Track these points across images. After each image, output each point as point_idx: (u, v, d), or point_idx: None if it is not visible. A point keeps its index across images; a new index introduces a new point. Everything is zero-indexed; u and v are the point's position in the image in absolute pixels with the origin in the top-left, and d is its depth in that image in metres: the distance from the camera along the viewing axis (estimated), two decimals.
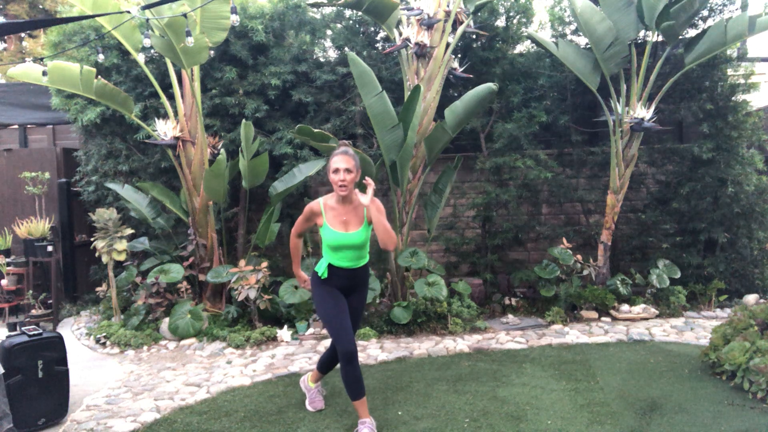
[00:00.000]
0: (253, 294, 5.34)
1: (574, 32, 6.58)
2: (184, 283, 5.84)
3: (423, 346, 4.97)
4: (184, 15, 4.47)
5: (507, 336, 5.26)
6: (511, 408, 3.59)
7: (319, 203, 3.27)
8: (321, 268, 3.31)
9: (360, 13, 6.26)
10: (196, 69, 5.71)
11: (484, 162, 6.41)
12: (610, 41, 5.65)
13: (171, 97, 5.92)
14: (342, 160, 3.12)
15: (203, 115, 6.01)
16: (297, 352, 5.00)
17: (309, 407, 3.68)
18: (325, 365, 3.62)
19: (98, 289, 6.21)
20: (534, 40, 6.27)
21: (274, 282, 6.06)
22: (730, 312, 5.06)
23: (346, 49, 6.52)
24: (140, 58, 5.78)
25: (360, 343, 5.18)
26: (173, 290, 5.90)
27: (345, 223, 3.21)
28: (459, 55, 6.57)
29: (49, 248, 6.55)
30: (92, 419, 3.69)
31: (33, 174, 6.77)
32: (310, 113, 6.58)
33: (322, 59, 6.80)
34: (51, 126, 7.96)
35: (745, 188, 6.11)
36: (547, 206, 7.03)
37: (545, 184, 6.60)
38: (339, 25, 6.73)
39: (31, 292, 6.48)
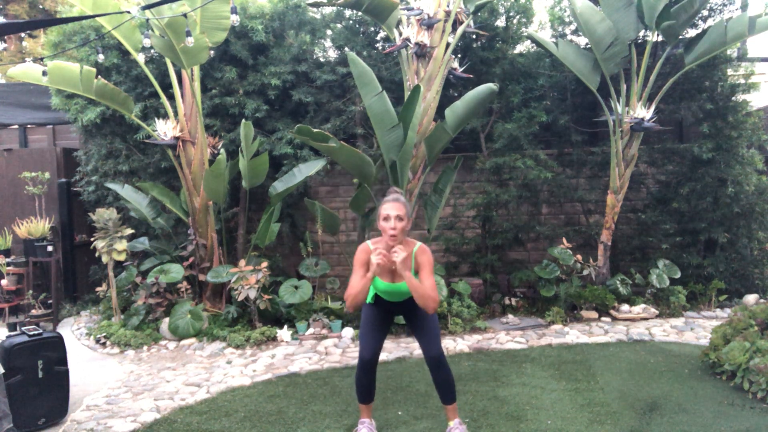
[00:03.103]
0: (253, 294, 5.34)
1: (574, 32, 6.58)
2: (184, 283, 5.84)
3: None
4: (184, 15, 4.47)
5: (507, 336, 5.26)
6: (511, 408, 3.59)
7: (368, 245, 3.07)
8: (369, 297, 3.20)
9: (360, 13, 6.26)
10: (196, 69, 5.71)
11: (484, 162, 6.41)
12: (610, 41, 5.65)
13: (171, 97, 5.92)
14: (393, 207, 2.94)
15: (203, 115, 6.01)
16: (297, 353, 5.00)
17: None
18: (437, 387, 3.19)
19: (98, 289, 6.22)
20: (534, 40, 6.27)
21: (274, 282, 6.06)
22: (730, 312, 5.06)
23: (346, 49, 6.52)
24: (140, 58, 5.78)
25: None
26: (173, 290, 5.90)
27: (393, 272, 3.03)
28: (459, 55, 6.57)
29: (49, 248, 6.55)
30: (92, 419, 3.69)
31: (33, 174, 6.77)
32: (310, 113, 6.58)
33: (322, 59, 6.80)
34: (51, 126, 7.95)
35: (745, 188, 6.11)
36: (547, 206, 7.03)
37: (545, 184, 6.59)
38: (339, 25, 6.72)
39: (31, 292, 6.48)
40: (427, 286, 2.91)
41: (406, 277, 2.87)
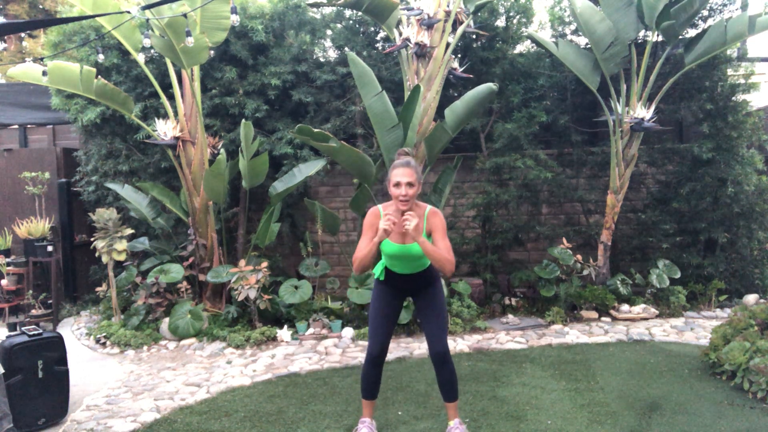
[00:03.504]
0: (253, 294, 5.34)
1: (574, 32, 6.58)
2: (184, 283, 5.84)
3: (423, 346, 4.96)
4: (184, 15, 4.47)
5: (507, 336, 5.26)
6: (511, 408, 3.59)
7: (379, 209, 3.03)
8: (378, 271, 3.17)
9: (360, 13, 6.26)
10: (196, 69, 5.71)
11: (484, 162, 6.41)
12: (610, 41, 5.65)
13: (171, 97, 5.92)
14: (404, 174, 2.89)
15: (203, 115, 6.01)
16: (297, 352, 5.00)
17: None
18: (440, 385, 3.17)
19: (98, 289, 6.21)
20: (534, 40, 6.27)
21: (274, 282, 6.06)
22: (730, 312, 5.06)
23: (346, 49, 6.52)
24: (140, 58, 5.78)
25: (360, 343, 5.18)
26: (173, 290, 5.90)
27: (404, 234, 2.97)
28: (459, 55, 6.57)
29: (49, 248, 6.55)
30: (92, 419, 3.69)
31: (33, 174, 6.77)
32: (310, 113, 6.58)
33: (322, 59, 6.80)
34: (51, 126, 7.96)
35: (745, 188, 6.11)
36: (547, 206, 7.03)
37: (545, 184, 6.59)
38: (339, 25, 6.73)
39: (31, 292, 6.48)
40: (442, 248, 2.90)
41: (420, 242, 2.84)
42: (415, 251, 2.98)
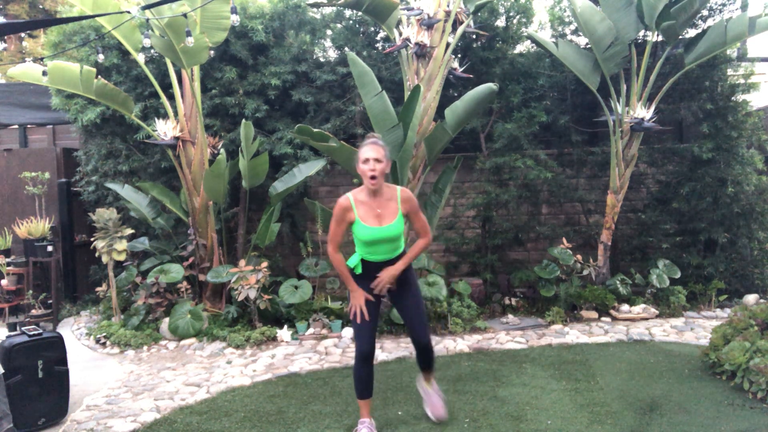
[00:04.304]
0: (253, 294, 5.34)
1: (574, 32, 6.58)
2: (184, 283, 5.84)
3: None
4: (184, 15, 4.48)
5: (507, 336, 5.26)
6: (511, 408, 3.59)
7: (348, 198, 3.14)
8: (353, 263, 3.23)
9: (360, 13, 6.26)
10: (196, 69, 5.71)
11: (484, 162, 6.41)
12: (610, 41, 5.65)
13: (171, 97, 5.92)
14: (371, 150, 3.06)
15: (203, 115, 6.01)
16: (297, 352, 5.00)
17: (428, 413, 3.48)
18: (419, 362, 3.44)
19: (98, 289, 6.22)
20: (534, 40, 6.27)
21: (274, 282, 6.06)
22: (730, 312, 5.05)
23: (346, 49, 6.52)
24: (140, 58, 5.78)
25: None
26: (173, 290, 5.90)
27: (379, 216, 3.10)
28: (459, 55, 6.57)
29: (49, 248, 6.55)
30: (92, 419, 3.69)
31: (33, 174, 6.77)
32: (310, 113, 6.58)
33: (322, 59, 6.80)
34: (51, 126, 7.96)
35: (745, 188, 6.11)
36: (547, 206, 7.03)
37: (545, 184, 6.59)
38: (339, 25, 6.72)
39: (31, 292, 6.48)
40: (419, 229, 3.20)
41: (400, 269, 3.13)
42: (392, 233, 3.12)
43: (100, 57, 5.05)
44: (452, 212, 6.80)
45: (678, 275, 6.00)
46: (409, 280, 3.28)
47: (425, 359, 3.37)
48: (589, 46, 5.94)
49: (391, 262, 3.20)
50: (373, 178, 3.04)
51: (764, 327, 4.09)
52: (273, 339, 5.37)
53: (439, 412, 3.40)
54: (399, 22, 5.78)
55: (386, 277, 3.12)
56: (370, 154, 3.05)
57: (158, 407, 3.83)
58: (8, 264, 6.62)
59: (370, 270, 3.21)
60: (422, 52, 5.53)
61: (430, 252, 6.79)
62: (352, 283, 3.21)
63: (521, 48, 6.79)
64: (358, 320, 3.16)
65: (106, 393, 4.19)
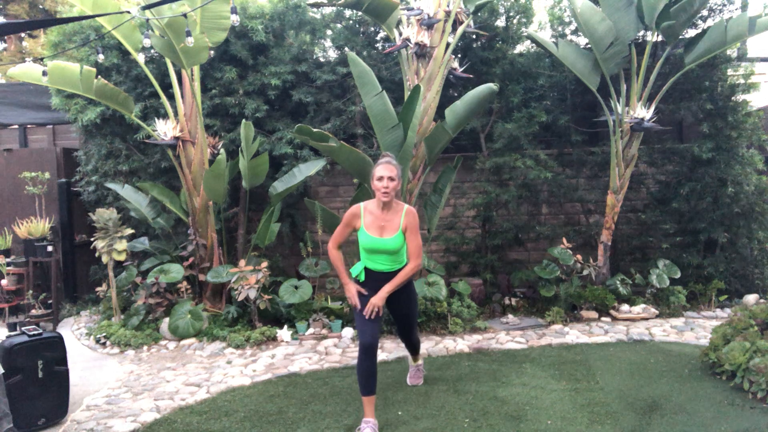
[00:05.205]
0: (253, 294, 5.34)
1: (574, 32, 6.58)
2: (184, 283, 5.84)
3: (423, 346, 4.96)
4: (184, 15, 4.47)
5: (507, 336, 5.26)
6: (511, 408, 3.59)
7: (360, 207, 3.45)
8: (357, 270, 3.49)
9: (360, 13, 6.26)
10: (196, 69, 5.71)
11: (484, 162, 6.41)
12: (610, 41, 5.65)
13: (171, 97, 5.92)
14: (386, 169, 3.30)
15: (203, 115, 6.01)
16: (297, 352, 5.00)
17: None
18: (408, 348, 4.00)
19: (98, 289, 6.21)
20: (534, 40, 6.27)
21: (274, 282, 6.06)
22: (730, 312, 5.06)
23: (346, 49, 6.52)
24: (140, 58, 5.77)
25: None
26: (173, 290, 5.90)
27: (381, 228, 3.38)
28: (459, 55, 6.57)
29: (49, 248, 6.55)
30: (92, 419, 3.69)
31: (33, 174, 6.77)
32: (310, 113, 6.58)
33: (322, 59, 6.80)
34: (51, 126, 7.95)
35: (745, 188, 6.10)
36: (547, 206, 7.03)
37: (545, 184, 6.59)
38: (339, 25, 6.73)
39: (31, 292, 6.48)
40: (411, 250, 3.41)
41: (390, 289, 3.36)
42: (389, 246, 3.37)
43: (100, 57, 5.05)
44: (452, 212, 6.80)
45: (678, 275, 6.00)
46: (407, 289, 3.57)
47: (411, 348, 3.96)
48: (589, 46, 5.94)
49: (393, 274, 3.45)
50: (385, 194, 3.30)
51: (764, 327, 4.10)
52: (273, 339, 5.37)
53: (414, 382, 4.06)
54: (399, 22, 5.78)
55: (376, 301, 3.33)
56: (385, 172, 3.29)
57: (158, 407, 3.83)
58: (8, 264, 6.62)
59: (371, 279, 3.47)
60: (422, 52, 5.54)
61: (430, 252, 6.80)
62: (344, 276, 3.51)
63: (521, 48, 6.78)
64: (364, 311, 3.32)
65: (106, 393, 4.19)
